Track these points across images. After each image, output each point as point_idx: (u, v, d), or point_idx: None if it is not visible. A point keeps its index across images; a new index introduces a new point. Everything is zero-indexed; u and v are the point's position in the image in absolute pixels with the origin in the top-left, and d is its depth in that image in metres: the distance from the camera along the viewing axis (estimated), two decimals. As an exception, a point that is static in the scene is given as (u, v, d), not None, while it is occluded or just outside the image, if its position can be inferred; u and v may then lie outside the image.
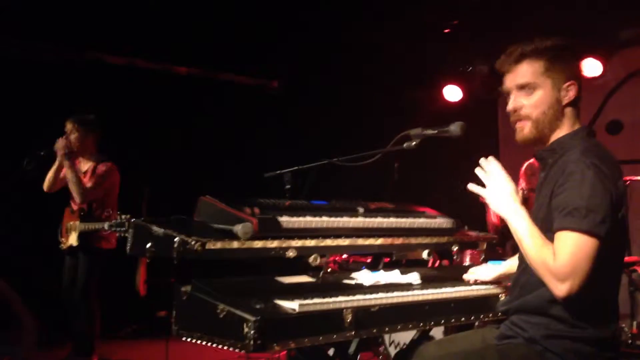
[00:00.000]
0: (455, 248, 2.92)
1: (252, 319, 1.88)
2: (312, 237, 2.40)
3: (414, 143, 2.71)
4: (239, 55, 6.87)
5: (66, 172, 4.75)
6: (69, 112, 5.06)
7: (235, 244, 2.20)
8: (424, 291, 2.47)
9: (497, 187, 2.23)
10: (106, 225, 4.49)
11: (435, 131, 2.70)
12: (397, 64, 6.66)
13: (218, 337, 1.99)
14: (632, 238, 3.74)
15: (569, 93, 2.23)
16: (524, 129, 2.26)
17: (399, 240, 2.68)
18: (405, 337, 4.30)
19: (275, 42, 6.59)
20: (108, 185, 4.92)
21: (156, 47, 6.64)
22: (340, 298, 2.16)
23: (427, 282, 2.63)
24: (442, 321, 2.48)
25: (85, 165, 5.01)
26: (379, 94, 7.08)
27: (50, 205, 5.13)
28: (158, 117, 6.85)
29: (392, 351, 4.50)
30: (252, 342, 1.87)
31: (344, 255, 4.47)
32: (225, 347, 1.97)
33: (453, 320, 2.50)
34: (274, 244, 2.30)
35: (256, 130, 7.32)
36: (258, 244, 2.26)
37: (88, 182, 4.84)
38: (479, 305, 2.60)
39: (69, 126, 4.92)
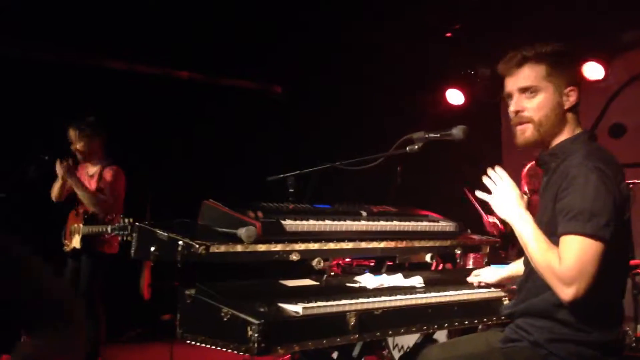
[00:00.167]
0: (458, 251, 2.92)
1: (256, 322, 1.88)
2: (315, 241, 2.41)
3: (417, 147, 2.72)
4: (240, 60, 6.88)
5: (76, 191, 4.77)
6: (71, 116, 5.07)
7: (239, 248, 2.21)
8: (427, 294, 2.47)
9: (501, 193, 2.24)
10: (109, 229, 4.52)
11: (438, 135, 2.70)
12: (399, 68, 6.66)
13: (222, 340, 2.00)
14: (635, 241, 3.73)
15: (570, 98, 2.24)
16: (526, 132, 2.26)
17: (402, 244, 2.69)
18: (409, 340, 4.30)
19: (277, 47, 6.60)
20: (118, 191, 4.93)
21: (158, 52, 6.66)
22: (344, 301, 2.17)
23: (431, 285, 2.63)
24: (446, 324, 2.48)
25: (92, 169, 5.02)
26: (381, 97, 7.07)
27: (53, 208, 5.14)
28: (162, 121, 6.86)
29: (396, 354, 4.49)
30: (256, 345, 1.88)
31: (347, 259, 4.47)
32: (229, 350, 1.98)
33: (456, 323, 2.50)
34: (278, 247, 2.31)
35: (259, 134, 7.33)
36: (262, 247, 2.27)
37: (94, 185, 4.85)
38: (483, 308, 2.60)
39: (72, 134, 4.92)
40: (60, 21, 5.87)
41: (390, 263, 2.85)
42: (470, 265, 4.14)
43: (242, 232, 2.19)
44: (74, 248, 4.85)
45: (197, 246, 2.09)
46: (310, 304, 2.06)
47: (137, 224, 2.33)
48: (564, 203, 2.07)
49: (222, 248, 2.17)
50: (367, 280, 2.56)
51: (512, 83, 2.28)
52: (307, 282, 2.43)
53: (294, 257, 2.34)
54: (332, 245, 2.46)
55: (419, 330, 2.45)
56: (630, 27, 5.69)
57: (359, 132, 6.96)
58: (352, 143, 5.99)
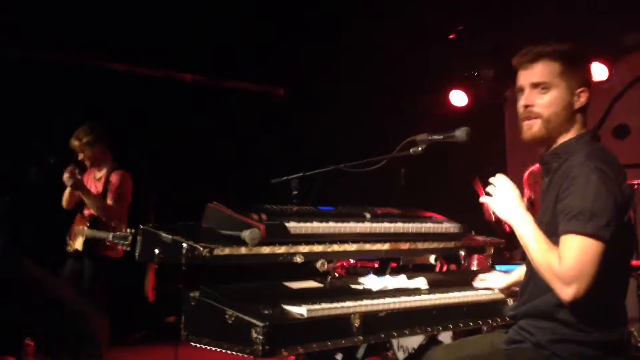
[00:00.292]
0: (462, 253, 2.92)
1: (260, 324, 1.89)
2: (319, 243, 2.41)
3: (420, 148, 2.72)
4: (242, 62, 6.89)
5: (83, 199, 4.79)
6: (71, 116, 5.08)
7: (243, 250, 2.21)
8: (432, 296, 2.47)
9: (502, 194, 2.24)
10: (110, 236, 4.54)
11: (441, 136, 2.70)
12: (402, 69, 6.67)
13: (226, 343, 2.00)
14: (639, 241, 3.72)
15: (581, 99, 2.25)
16: (533, 127, 2.26)
17: (406, 245, 2.69)
18: (413, 342, 4.30)
19: (279, 49, 6.60)
20: (124, 195, 4.94)
21: (160, 54, 6.66)
22: (348, 303, 2.17)
23: (435, 287, 2.63)
24: (450, 326, 2.48)
25: (99, 173, 5.03)
26: (384, 99, 7.08)
27: (55, 210, 5.15)
28: (164, 124, 6.87)
29: (401, 356, 4.49)
30: (260, 347, 1.88)
31: (352, 261, 4.47)
32: (233, 353, 1.98)
33: (461, 325, 2.50)
34: (282, 249, 2.31)
35: (261, 136, 7.33)
36: (266, 249, 2.27)
37: (100, 189, 4.86)
38: (487, 310, 2.60)
39: (74, 144, 4.93)
40: (61, 22, 5.88)
41: (395, 265, 2.84)
42: (474, 267, 4.15)
43: (246, 234, 2.19)
44: (76, 250, 4.86)
45: (201, 249, 2.10)
46: (315, 306, 2.07)
47: (141, 226, 2.33)
48: (565, 203, 2.07)
49: (226, 250, 2.17)
50: (371, 282, 2.56)
51: (525, 77, 2.28)
52: (311, 284, 2.43)
53: (298, 259, 2.34)
54: (336, 247, 2.46)
55: (424, 331, 2.44)
56: (631, 30, 5.69)
57: (362, 133, 6.96)
58: (355, 144, 5.99)
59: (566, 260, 2.00)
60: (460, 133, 2.65)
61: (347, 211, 2.71)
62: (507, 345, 2.27)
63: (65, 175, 4.67)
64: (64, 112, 5.85)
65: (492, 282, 2.74)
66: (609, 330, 2.13)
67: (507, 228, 4.67)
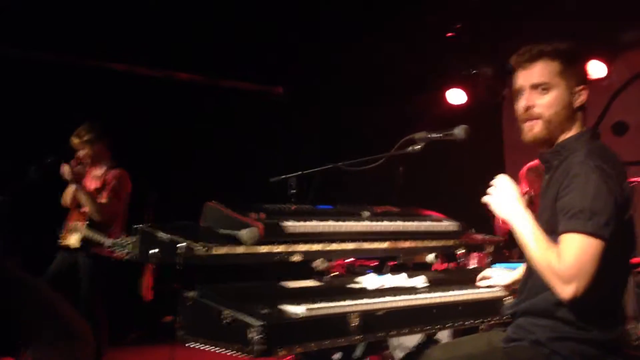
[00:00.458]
0: (461, 251, 2.91)
1: (257, 324, 1.88)
2: (317, 242, 2.41)
3: (419, 147, 2.72)
4: (241, 61, 6.88)
5: (77, 195, 4.76)
6: (71, 116, 5.07)
7: (240, 249, 2.20)
8: (430, 294, 2.46)
9: (500, 192, 2.23)
10: (108, 243, 4.49)
11: (440, 135, 2.70)
12: (401, 68, 6.66)
13: (223, 343, 1.99)
14: (639, 240, 3.72)
15: (580, 97, 2.24)
16: (534, 128, 2.25)
17: (404, 244, 2.68)
18: (411, 340, 4.28)
19: (278, 48, 6.60)
20: (121, 194, 4.92)
21: (159, 54, 6.66)
22: (347, 302, 2.16)
23: (434, 285, 2.62)
24: (449, 324, 2.47)
25: (98, 172, 5.01)
26: (383, 97, 7.07)
27: (53, 209, 5.13)
28: (163, 123, 6.86)
29: (399, 355, 4.48)
30: (257, 347, 1.87)
31: (350, 259, 4.46)
32: (230, 353, 1.97)
33: (460, 323, 2.50)
34: (280, 248, 2.30)
35: (260, 135, 7.32)
36: (264, 249, 2.26)
37: (99, 186, 4.85)
38: (486, 308, 2.59)
39: (74, 143, 4.92)
40: (61, 22, 5.87)
41: (393, 263, 2.83)
42: (474, 265, 4.14)
43: (244, 233, 2.18)
44: (68, 246, 4.82)
45: (198, 248, 2.08)
46: (313, 305, 2.05)
47: (139, 226, 2.32)
48: (565, 201, 2.06)
49: (224, 249, 2.16)
50: (370, 280, 2.55)
51: (524, 78, 2.26)
52: (310, 283, 2.42)
53: (296, 258, 2.33)
54: (334, 246, 2.45)
55: (422, 330, 2.44)
56: (629, 27, 5.69)
57: (361, 132, 6.95)
58: (354, 143, 5.99)
59: (566, 258, 1.99)
60: (459, 131, 2.65)
61: (346, 210, 2.70)
62: (505, 343, 2.26)
63: (66, 168, 4.66)
64: (63, 112, 5.83)
65: (498, 280, 2.73)
66: (608, 328, 2.12)
67: (508, 227, 4.67)
